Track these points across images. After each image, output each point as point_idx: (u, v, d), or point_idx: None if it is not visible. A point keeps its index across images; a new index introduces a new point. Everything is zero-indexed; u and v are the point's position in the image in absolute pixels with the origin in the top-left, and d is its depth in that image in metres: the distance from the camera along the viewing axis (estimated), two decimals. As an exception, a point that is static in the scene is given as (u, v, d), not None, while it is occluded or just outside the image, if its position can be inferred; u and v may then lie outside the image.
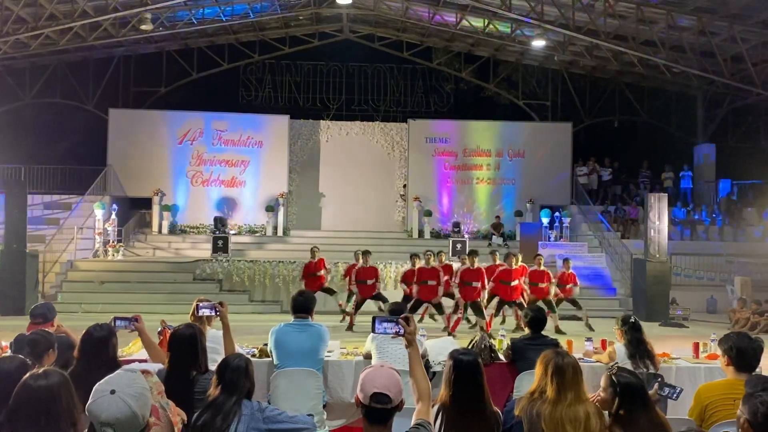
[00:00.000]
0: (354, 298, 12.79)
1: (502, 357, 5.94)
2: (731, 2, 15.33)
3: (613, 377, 3.42)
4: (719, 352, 4.24)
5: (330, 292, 13.47)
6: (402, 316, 3.21)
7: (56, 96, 21.66)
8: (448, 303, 12.60)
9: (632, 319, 5.60)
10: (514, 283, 12.43)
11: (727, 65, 17.49)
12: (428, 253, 12.45)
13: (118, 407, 2.32)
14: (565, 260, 13.58)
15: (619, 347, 5.51)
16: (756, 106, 21.10)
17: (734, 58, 17.51)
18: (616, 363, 5.16)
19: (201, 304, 4.86)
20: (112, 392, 2.34)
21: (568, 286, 13.09)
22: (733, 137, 22.78)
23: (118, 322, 4.56)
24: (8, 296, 14.02)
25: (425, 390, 3.14)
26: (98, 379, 2.48)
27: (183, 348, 4.05)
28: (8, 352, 4.81)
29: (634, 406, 3.32)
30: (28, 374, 2.71)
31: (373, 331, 3.21)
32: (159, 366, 4.17)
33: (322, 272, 13.23)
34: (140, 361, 4.96)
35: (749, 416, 2.60)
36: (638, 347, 5.40)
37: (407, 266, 13.17)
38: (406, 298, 12.07)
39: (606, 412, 3.47)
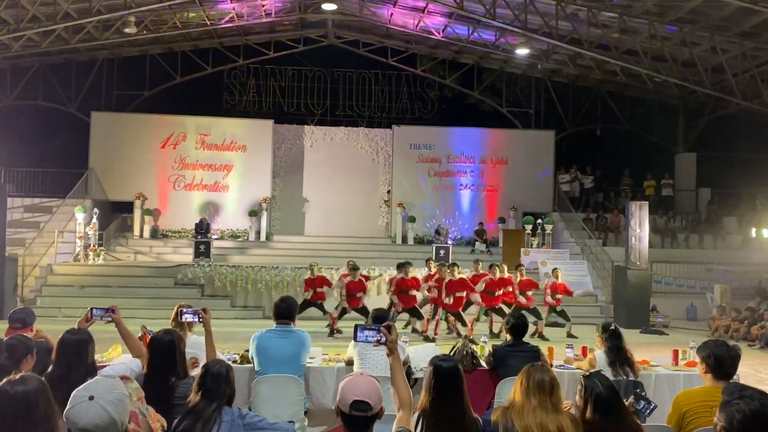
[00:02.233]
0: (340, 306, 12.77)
1: (483, 363, 5.95)
2: (712, 13, 15.54)
3: (582, 380, 3.46)
4: (698, 359, 4.28)
5: (323, 310, 13.10)
6: (384, 324, 3.22)
7: (38, 98, 21.45)
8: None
9: (613, 327, 5.65)
10: (499, 293, 12.62)
11: (707, 75, 17.70)
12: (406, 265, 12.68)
13: (97, 413, 2.30)
14: (554, 270, 13.59)
15: (600, 354, 5.55)
16: (735, 116, 21.37)
17: (715, 68, 17.73)
18: (589, 371, 5.19)
19: (184, 310, 4.85)
20: (91, 398, 2.32)
21: (558, 296, 13.12)
22: (713, 146, 23.04)
23: (95, 312, 4.53)
24: (-14, 300, 13.88)
25: (406, 398, 3.15)
26: (76, 384, 2.46)
27: (162, 354, 4.04)
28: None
29: (604, 411, 3.35)
30: (5, 380, 2.68)
31: (355, 339, 3.22)
32: (138, 370, 4.15)
33: (325, 288, 13.15)
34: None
35: (726, 424, 2.62)
36: (618, 354, 5.45)
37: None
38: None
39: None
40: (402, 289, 12.24)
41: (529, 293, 12.85)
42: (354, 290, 12.48)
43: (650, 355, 7.01)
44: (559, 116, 23.27)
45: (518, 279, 12.93)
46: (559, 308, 13.05)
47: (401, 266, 12.66)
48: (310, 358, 5.86)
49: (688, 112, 23.07)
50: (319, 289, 13.06)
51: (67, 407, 2.32)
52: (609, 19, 16.94)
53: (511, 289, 12.79)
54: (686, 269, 18.02)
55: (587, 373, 3.70)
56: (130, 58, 21.82)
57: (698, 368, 4.29)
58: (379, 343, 3.17)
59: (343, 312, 12.58)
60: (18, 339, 4.23)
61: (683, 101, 22.60)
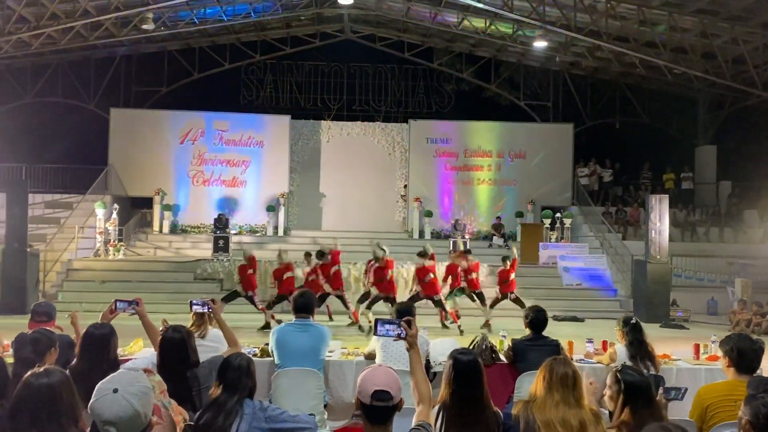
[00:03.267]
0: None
1: (503, 357, 5.93)
2: (732, 4, 15.33)
3: (618, 375, 3.42)
4: (720, 353, 4.23)
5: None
6: (405, 318, 3.22)
7: (58, 95, 21.67)
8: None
9: (633, 320, 5.60)
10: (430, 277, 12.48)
11: (728, 67, 17.47)
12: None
13: (121, 406, 2.31)
14: (505, 258, 13.36)
15: (620, 348, 5.52)
16: (757, 108, 21.05)
17: (735, 59, 17.50)
18: (609, 365, 5.15)
19: (193, 301, 4.95)
20: (115, 391, 2.33)
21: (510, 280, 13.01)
22: (734, 139, 22.77)
23: (119, 304, 4.64)
24: (9, 295, 14.04)
25: (426, 392, 3.15)
26: (99, 377, 2.48)
27: (173, 352, 4.09)
28: (10, 351, 4.82)
29: (638, 403, 3.32)
30: (29, 372, 2.72)
31: (375, 333, 3.23)
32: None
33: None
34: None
35: (751, 417, 2.60)
36: (639, 348, 5.41)
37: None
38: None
39: (607, 413, 3.47)
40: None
41: (474, 276, 12.93)
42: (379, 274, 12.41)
43: (671, 349, 6.95)
44: (578, 109, 23.10)
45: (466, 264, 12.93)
46: (512, 295, 12.90)
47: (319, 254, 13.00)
48: (330, 351, 5.87)
49: (708, 105, 22.80)
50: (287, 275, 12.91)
51: (92, 400, 2.34)
52: (627, 11, 16.77)
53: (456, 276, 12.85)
54: (706, 263, 17.84)
55: (620, 368, 3.65)
56: (148, 54, 21.95)
57: (721, 362, 4.25)
58: (399, 337, 3.17)
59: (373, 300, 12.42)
60: (42, 332, 4.28)
61: (703, 93, 22.31)
